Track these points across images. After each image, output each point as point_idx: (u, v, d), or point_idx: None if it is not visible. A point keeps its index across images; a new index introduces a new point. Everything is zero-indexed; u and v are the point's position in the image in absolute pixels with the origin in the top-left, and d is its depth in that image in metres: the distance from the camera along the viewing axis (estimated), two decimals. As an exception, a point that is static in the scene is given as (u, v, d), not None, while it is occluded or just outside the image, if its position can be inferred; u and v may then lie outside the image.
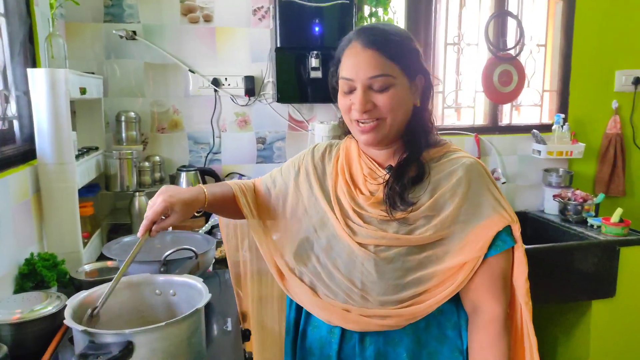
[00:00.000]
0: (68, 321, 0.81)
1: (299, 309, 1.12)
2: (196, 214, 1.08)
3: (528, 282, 1.00)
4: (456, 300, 1.02)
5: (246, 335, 1.25)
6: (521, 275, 1.00)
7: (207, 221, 2.10)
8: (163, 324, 0.82)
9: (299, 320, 1.12)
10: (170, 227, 1.58)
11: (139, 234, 0.97)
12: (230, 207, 1.14)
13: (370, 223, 1.02)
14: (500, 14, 2.77)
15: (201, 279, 1.00)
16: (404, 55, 0.99)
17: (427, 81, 1.05)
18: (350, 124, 1.04)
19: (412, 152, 1.03)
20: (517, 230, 0.99)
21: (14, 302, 1.18)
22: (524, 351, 1.02)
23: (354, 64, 0.99)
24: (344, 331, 1.03)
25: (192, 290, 0.99)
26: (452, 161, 1.03)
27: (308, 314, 1.10)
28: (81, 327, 0.79)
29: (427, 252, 0.98)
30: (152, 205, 0.98)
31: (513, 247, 1.00)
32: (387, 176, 1.03)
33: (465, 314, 1.03)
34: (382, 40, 0.98)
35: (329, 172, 1.13)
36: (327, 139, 1.41)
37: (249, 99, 2.45)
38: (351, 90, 1.00)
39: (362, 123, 1.00)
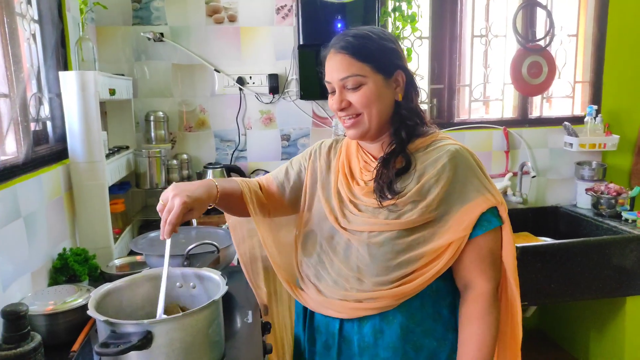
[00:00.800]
0: (91, 312, 0.85)
1: None
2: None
3: (516, 260, 1.08)
4: (450, 281, 1.09)
5: (267, 327, 1.27)
6: (509, 253, 1.07)
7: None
8: (180, 314, 0.85)
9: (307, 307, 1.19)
10: (195, 222, 1.63)
11: (166, 236, 0.98)
12: (237, 203, 1.18)
13: (364, 211, 1.10)
14: (529, 4, 2.70)
15: (219, 272, 1.03)
16: (376, 55, 1.06)
17: (409, 76, 1.11)
18: (340, 122, 1.13)
19: (396, 145, 1.10)
20: (503, 211, 1.06)
21: (48, 294, 1.25)
22: (513, 321, 1.11)
23: (330, 68, 1.08)
24: None
25: (211, 283, 1.02)
26: (437, 149, 1.09)
27: None
28: (103, 318, 0.83)
29: (415, 235, 1.05)
30: (170, 208, 0.98)
31: (501, 227, 1.06)
32: (377, 168, 1.11)
33: (459, 294, 1.10)
34: (351, 44, 1.06)
35: (333, 166, 1.21)
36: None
37: (273, 97, 2.48)
38: (333, 92, 1.10)
39: (346, 120, 1.10)
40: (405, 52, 1.17)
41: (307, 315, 1.19)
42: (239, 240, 1.29)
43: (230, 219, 1.29)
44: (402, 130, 1.10)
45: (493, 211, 1.05)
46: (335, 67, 1.07)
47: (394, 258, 1.05)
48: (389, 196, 1.06)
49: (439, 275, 1.05)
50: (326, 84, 1.12)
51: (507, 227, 1.07)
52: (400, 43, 1.17)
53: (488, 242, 1.06)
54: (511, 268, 1.08)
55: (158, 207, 1.01)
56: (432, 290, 1.07)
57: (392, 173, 1.07)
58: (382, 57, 1.08)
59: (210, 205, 1.09)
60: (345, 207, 1.13)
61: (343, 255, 1.11)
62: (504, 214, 1.07)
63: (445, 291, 1.10)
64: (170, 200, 0.99)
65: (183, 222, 1.00)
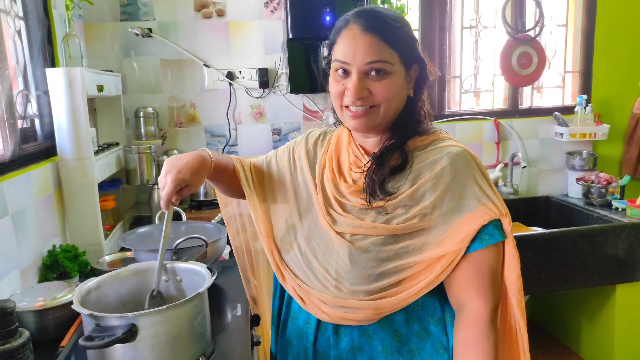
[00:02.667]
0: (76, 306, 0.85)
1: (281, 299, 1.12)
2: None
3: (521, 280, 0.95)
4: (439, 295, 0.97)
5: (255, 320, 1.28)
6: (512, 271, 0.95)
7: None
8: (165, 307, 0.86)
9: (281, 310, 1.11)
10: (185, 217, 1.63)
11: (163, 208, 0.96)
12: (229, 176, 1.11)
13: (350, 212, 0.99)
14: (518, -6, 2.71)
15: (205, 265, 1.03)
16: (402, 42, 0.95)
17: (422, 72, 1.01)
18: (340, 110, 1.00)
19: (395, 141, 0.99)
20: (507, 224, 0.94)
21: (37, 290, 1.25)
22: (517, 350, 0.98)
23: (351, 48, 0.94)
24: (319, 322, 1.01)
25: (197, 276, 1.03)
26: (437, 150, 0.98)
27: (288, 305, 1.09)
28: (87, 311, 0.83)
29: (404, 243, 0.94)
30: (164, 186, 0.96)
31: (503, 242, 0.94)
32: (369, 164, 1.00)
33: (451, 309, 0.98)
34: (382, 25, 0.93)
35: (319, 159, 1.10)
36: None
37: (264, 91, 2.48)
38: (345, 74, 0.96)
39: (358, 109, 0.96)
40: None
41: (279, 323, 1.10)
42: (234, 233, 1.27)
43: (225, 209, 1.25)
44: (405, 126, 1.00)
45: (496, 224, 0.93)
46: (362, 48, 0.92)
47: (377, 266, 0.93)
48: (380, 196, 0.95)
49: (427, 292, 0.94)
50: (335, 64, 0.97)
51: (510, 243, 0.94)
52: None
53: (488, 258, 0.93)
54: (514, 289, 0.95)
55: (159, 184, 0.99)
56: (418, 304, 0.96)
57: (386, 170, 0.96)
58: (408, 47, 0.97)
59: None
60: (330, 205, 1.02)
61: (322, 257, 0.99)
62: (508, 227, 0.94)
63: (432, 306, 0.98)
64: (164, 178, 0.96)
65: (186, 194, 0.98)
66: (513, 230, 0.96)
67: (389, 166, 0.97)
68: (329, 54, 1.01)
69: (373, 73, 0.94)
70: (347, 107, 0.98)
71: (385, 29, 0.93)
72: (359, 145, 1.06)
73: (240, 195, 1.13)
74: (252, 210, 1.10)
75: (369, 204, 0.96)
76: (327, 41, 1.03)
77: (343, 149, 1.08)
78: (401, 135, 1.00)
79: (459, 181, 0.94)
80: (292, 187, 1.10)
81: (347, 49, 0.94)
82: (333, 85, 0.99)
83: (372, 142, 1.04)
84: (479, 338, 0.91)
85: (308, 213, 1.05)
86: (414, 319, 0.97)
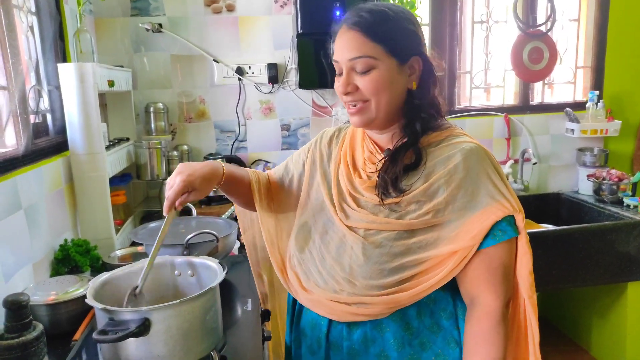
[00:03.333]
0: (89, 300, 0.86)
1: None
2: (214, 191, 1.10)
3: (532, 275, 0.95)
4: (452, 289, 0.98)
5: (266, 315, 1.29)
6: (524, 267, 0.95)
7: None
8: (177, 301, 0.86)
9: (296, 300, 1.12)
10: (195, 212, 1.64)
11: (164, 212, 0.99)
12: (243, 190, 1.15)
13: (364, 207, 1.01)
14: (530, -11, 2.68)
15: (217, 260, 1.03)
16: (391, 36, 0.95)
17: (426, 64, 1.00)
18: (345, 107, 1.03)
19: (408, 138, 1.00)
20: (520, 220, 0.94)
21: (50, 284, 1.26)
22: (527, 346, 0.99)
23: (339, 46, 0.97)
24: None
25: (209, 271, 1.03)
26: (451, 146, 0.98)
27: None
28: (101, 306, 0.84)
29: (417, 238, 0.95)
30: (172, 186, 0.99)
31: (516, 238, 0.95)
32: (384, 161, 1.01)
33: (463, 303, 0.99)
34: (365, 21, 0.95)
35: (334, 155, 1.12)
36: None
37: (273, 87, 2.48)
38: (340, 73, 0.99)
39: (351, 105, 0.99)
40: (424, 38, 1.03)
41: (294, 314, 1.12)
42: (245, 227, 1.29)
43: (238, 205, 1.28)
44: (416, 123, 0.99)
45: (509, 220, 0.94)
46: (345, 46, 0.96)
47: (390, 261, 0.95)
48: (393, 194, 0.96)
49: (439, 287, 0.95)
50: (334, 64, 1.01)
51: (523, 239, 0.95)
52: (421, 28, 1.03)
53: (500, 253, 0.93)
54: (526, 284, 0.95)
55: (167, 185, 1.02)
56: (430, 298, 0.97)
57: (399, 168, 0.97)
58: (399, 39, 0.96)
59: (215, 188, 1.07)
60: (344, 200, 1.04)
61: (335, 252, 1.01)
62: (521, 223, 0.95)
63: (445, 300, 0.99)
64: (173, 178, 0.99)
65: (190, 200, 1.00)
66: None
67: (402, 164, 0.97)
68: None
69: (358, 68, 0.95)
70: (347, 104, 1.01)
71: (369, 24, 0.95)
72: (373, 141, 1.07)
73: (254, 208, 1.17)
74: (261, 220, 1.15)
75: (380, 201, 0.98)
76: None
77: (357, 145, 1.10)
78: (412, 131, 0.99)
79: (472, 177, 0.94)
80: (307, 188, 1.13)
81: (337, 48, 0.98)
82: (336, 85, 1.02)
83: (385, 138, 1.05)
84: (490, 332, 0.92)
85: (322, 210, 1.07)
86: (426, 312, 0.98)
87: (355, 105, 0.99)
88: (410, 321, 0.97)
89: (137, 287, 0.97)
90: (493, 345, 0.91)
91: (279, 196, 1.19)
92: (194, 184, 0.99)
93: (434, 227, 0.95)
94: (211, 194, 2.30)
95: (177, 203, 0.99)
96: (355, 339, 0.99)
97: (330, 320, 1.02)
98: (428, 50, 1.02)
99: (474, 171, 0.95)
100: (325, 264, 1.01)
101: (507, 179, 2.68)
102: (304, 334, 1.07)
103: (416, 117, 1.00)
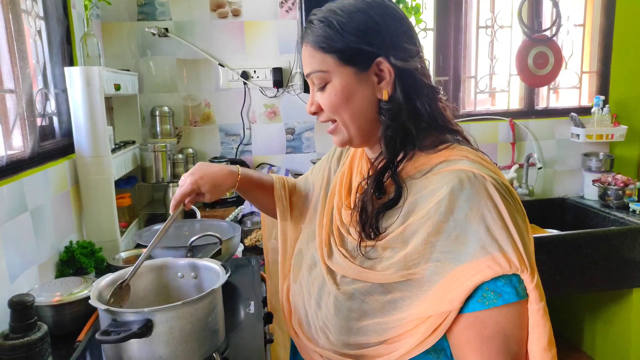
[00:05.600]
0: (93, 301, 0.87)
1: None
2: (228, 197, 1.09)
3: (552, 352, 0.71)
4: (438, 353, 0.77)
5: (269, 318, 1.29)
6: (537, 341, 0.71)
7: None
8: (180, 303, 0.87)
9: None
10: (199, 215, 1.65)
11: (170, 210, 0.99)
12: (262, 195, 1.10)
13: (345, 247, 0.85)
14: (535, -6, 2.68)
15: (220, 263, 1.04)
16: (341, 42, 0.78)
17: (397, 64, 0.79)
18: None
19: (386, 161, 0.81)
20: (529, 280, 0.70)
21: (55, 286, 1.27)
22: None
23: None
24: None
25: (212, 273, 1.04)
26: (441, 175, 0.76)
27: None
28: (104, 306, 0.85)
29: (393, 294, 0.75)
30: (182, 185, 0.99)
31: (526, 302, 0.71)
32: (359, 195, 0.86)
33: None
34: (312, 32, 0.81)
35: (335, 176, 1.00)
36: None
37: (278, 91, 2.49)
38: None
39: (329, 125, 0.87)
40: (411, 32, 0.83)
41: (292, 346, 1.02)
42: (266, 236, 1.25)
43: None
44: (392, 144, 0.80)
45: (509, 279, 0.70)
46: (303, 61, 0.85)
47: (358, 319, 0.78)
48: (372, 236, 0.79)
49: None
50: None
51: (535, 305, 0.70)
52: (407, 21, 0.83)
53: (496, 319, 0.70)
54: None
55: (180, 182, 1.01)
56: None
57: (375, 205, 0.80)
58: (350, 41, 0.78)
59: (232, 193, 1.05)
60: (332, 233, 0.89)
61: (317, 295, 0.87)
62: (531, 284, 0.70)
63: None
64: (184, 177, 0.98)
65: (196, 201, 1.00)
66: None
67: (378, 201, 0.81)
68: None
69: (316, 85, 0.83)
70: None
71: (314, 34, 0.81)
72: (368, 160, 0.91)
73: (274, 211, 1.11)
74: (281, 236, 1.09)
75: (359, 244, 0.82)
76: None
77: (355, 165, 0.95)
78: (388, 153, 0.81)
79: (454, 220, 0.71)
80: (312, 209, 1.02)
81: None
82: None
83: (374, 159, 0.88)
84: None
85: (314, 239, 0.94)
86: None
87: (329, 126, 0.87)
88: None
89: (124, 280, 0.96)
90: None
91: (299, 208, 1.09)
92: (203, 187, 0.98)
93: (410, 282, 0.74)
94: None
95: (186, 202, 0.99)
96: None
97: None
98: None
99: (462, 210, 0.71)
100: (311, 304, 0.88)
101: (512, 184, 2.70)
102: None
103: (392, 134, 0.80)
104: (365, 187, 0.84)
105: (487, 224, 0.70)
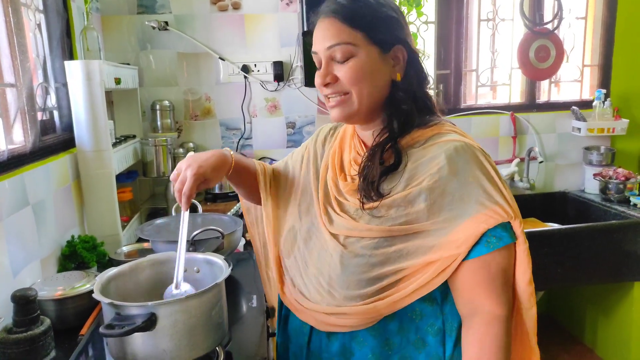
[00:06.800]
0: (96, 295, 0.87)
1: None
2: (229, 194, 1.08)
3: (532, 286, 0.88)
4: (441, 304, 0.91)
5: (271, 311, 1.29)
6: (522, 276, 0.87)
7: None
8: (184, 297, 0.87)
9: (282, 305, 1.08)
10: (201, 209, 1.65)
11: (184, 208, 0.96)
12: (249, 180, 1.11)
13: (347, 212, 0.94)
14: (536, -14, 2.67)
15: (222, 257, 1.04)
16: (371, 22, 0.89)
17: (411, 54, 0.93)
18: (325, 100, 0.96)
19: (388, 134, 0.92)
20: (517, 226, 0.86)
21: (57, 280, 1.27)
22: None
23: (317, 36, 0.92)
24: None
25: (215, 267, 1.03)
26: (436, 146, 0.89)
27: None
28: (108, 300, 0.85)
29: (398, 246, 0.87)
30: (183, 180, 0.94)
31: (514, 244, 0.86)
32: (362, 163, 0.95)
33: (452, 320, 0.91)
34: (343, 7, 0.89)
35: (325, 155, 1.07)
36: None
37: (278, 84, 2.48)
38: (320, 65, 0.93)
39: (331, 98, 0.93)
40: (409, 27, 0.98)
41: (281, 318, 1.08)
42: (251, 223, 1.26)
43: (244, 201, 1.24)
44: (394, 118, 0.92)
45: (504, 226, 0.85)
46: (322, 34, 0.90)
47: (369, 271, 0.88)
48: (374, 197, 0.89)
49: (422, 296, 0.87)
50: (313, 57, 0.94)
51: (521, 245, 0.86)
52: (405, 16, 0.98)
53: (499, 259, 0.85)
54: (525, 296, 0.88)
55: (172, 176, 0.98)
56: (416, 312, 0.90)
57: (377, 170, 0.90)
58: (380, 26, 0.90)
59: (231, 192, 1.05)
60: (329, 203, 0.98)
61: (317, 260, 0.95)
62: (519, 229, 0.86)
63: (434, 316, 0.91)
64: (183, 172, 0.95)
65: (199, 190, 0.98)
66: (530, 225, 0.93)
67: (380, 166, 0.90)
68: None
69: (338, 57, 0.90)
70: (327, 97, 0.94)
71: (345, 10, 0.89)
72: (360, 140, 1.01)
73: (259, 200, 1.13)
74: (265, 216, 1.09)
75: (361, 204, 0.91)
76: None
77: (346, 144, 1.04)
78: (392, 127, 0.92)
79: (458, 182, 0.85)
80: (300, 188, 1.08)
81: (315, 38, 0.93)
82: (315, 78, 0.95)
83: (369, 135, 0.98)
84: (496, 335, 0.84)
85: (308, 213, 1.02)
86: (411, 328, 0.91)
87: (335, 97, 0.92)
88: (390, 337, 0.91)
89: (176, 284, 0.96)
90: (499, 351, 0.84)
91: (279, 190, 1.13)
92: (206, 174, 0.96)
93: (417, 235, 0.87)
94: (217, 191, 2.33)
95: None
96: (334, 352, 0.94)
97: (311, 329, 0.98)
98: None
99: (461, 175, 0.86)
100: (308, 272, 0.96)
101: (513, 178, 2.70)
102: (290, 339, 1.04)
103: (398, 111, 0.93)
104: (368, 157, 0.94)
105: (482, 184, 0.86)
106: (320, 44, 0.91)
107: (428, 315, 0.91)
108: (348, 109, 0.92)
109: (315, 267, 0.95)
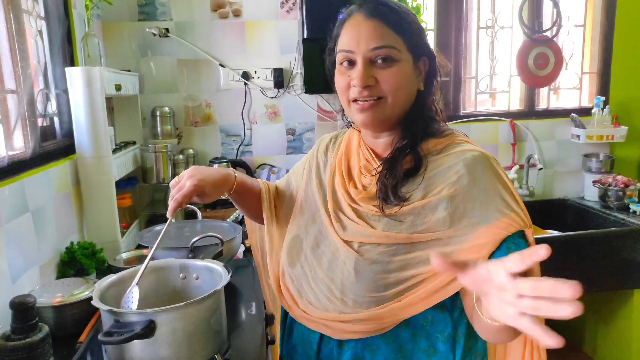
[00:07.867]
0: (95, 302, 0.87)
1: None
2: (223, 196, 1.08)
3: None
4: (450, 311, 0.91)
5: (270, 319, 1.29)
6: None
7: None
8: (183, 304, 0.87)
9: (287, 313, 1.07)
10: (200, 216, 1.65)
11: (168, 215, 0.98)
12: (252, 201, 1.13)
13: (364, 218, 0.93)
14: (535, -6, 2.68)
15: (222, 263, 1.04)
16: (409, 30, 0.90)
17: (432, 65, 0.96)
18: (348, 105, 0.94)
19: (408, 141, 0.94)
20: (530, 235, 0.87)
21: (56, 286, 1.26)
22: None
23: (355, 35, 0.89)
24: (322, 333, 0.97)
25: (214, 274, 1.03)
26: (452, 155, 0.91)
27: None
28: (106, 307, 0.85)
29: (416, 253, 0.87)
30: (181, 188, 0.96)
31: None
32: (381, 168, 0.95)
33: (462, 327, 0.91)
34: (387, 10, 0.89)
35: (329, 163, 1.07)
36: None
37: (278, 91, 2.49)
38: (350, 65, 0.91)
39: (360, 101, 0.91)
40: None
41: (285, 327, 1.07)
42: (251, 230, 1.27)
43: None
44: (416, 125, 0.94)
45: (521, 234, 0.86)
46: (366, 34, 0.88)
47: (385, 277, 0.88)
48: (394, 202, 0.89)
49: (437, 302, 0.86)
50: (340, 56, 0.92)
51: None
52: None
53: None
54: None
55: (171, 183, 0.99)
56: (427, 320, 0.90)
57: (399, 173, 0.90)
58: (415, 36, 0.92)
59: (225, 196, 1.05)
60: (342, 210, 0.97)
61: (328, 267, 0.94)
62: (531, 237, 0.87)
63: (444, 323, 0.91)
64: (183, 180, 0.97)
65: (192, 202, 0.99)
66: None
67: (402, 169, 0.91)
68: (334, 48, 0.96)
69: (379, 60, 0.89)
70: (354, 101, 0.92)
71: (390, 14, 0.89)
72: (369, 148, 1.01)
73: (262, 221, 1.14)
74: (268, 237, 1.11)
75: (381, 210, 0.91)
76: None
77: (353, 153, 1.04)
78: (413, 133, 0.94)
79: (478, 190, 0.86)
80: (303, 198, 1.08)
81: (351, 37, 0.90)
82: (338, 79, 0.94)
83: (383, 144, 0.99)
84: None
85: (314, 221, 1.01)
86: (422, 335, 0.91)
87: (367, 101, 0.90)
88: (404, 344, 0.91)
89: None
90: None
91: (282, 209, 1.13)
92: (204, 188, 0.97)
93: (435, 242, 0.87)
94: (216, 197, 2.32)
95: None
96: (345, 359, 0.93)
97: (321, 338, 0.96)
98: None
99: (481, 184, 0.87)
100: (317, 280, 0.95)
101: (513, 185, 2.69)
102: (295, 349, 1.03)
103: (418, 120, 0.95)
104: (388, 160, 0.94)
105: (500, 193, 0.86)
106: (364, 44, 0.88)
107: (438, 321, 0.91)
108: (381, 114, 0.92)
109: (326, 275, 0.94)
